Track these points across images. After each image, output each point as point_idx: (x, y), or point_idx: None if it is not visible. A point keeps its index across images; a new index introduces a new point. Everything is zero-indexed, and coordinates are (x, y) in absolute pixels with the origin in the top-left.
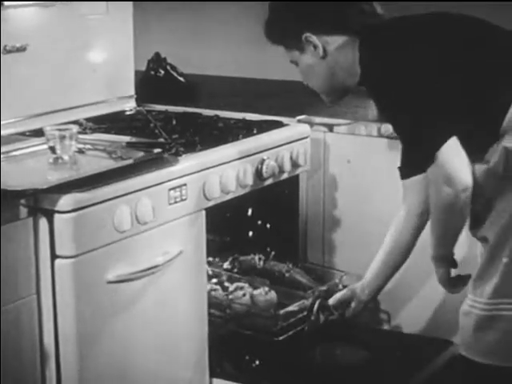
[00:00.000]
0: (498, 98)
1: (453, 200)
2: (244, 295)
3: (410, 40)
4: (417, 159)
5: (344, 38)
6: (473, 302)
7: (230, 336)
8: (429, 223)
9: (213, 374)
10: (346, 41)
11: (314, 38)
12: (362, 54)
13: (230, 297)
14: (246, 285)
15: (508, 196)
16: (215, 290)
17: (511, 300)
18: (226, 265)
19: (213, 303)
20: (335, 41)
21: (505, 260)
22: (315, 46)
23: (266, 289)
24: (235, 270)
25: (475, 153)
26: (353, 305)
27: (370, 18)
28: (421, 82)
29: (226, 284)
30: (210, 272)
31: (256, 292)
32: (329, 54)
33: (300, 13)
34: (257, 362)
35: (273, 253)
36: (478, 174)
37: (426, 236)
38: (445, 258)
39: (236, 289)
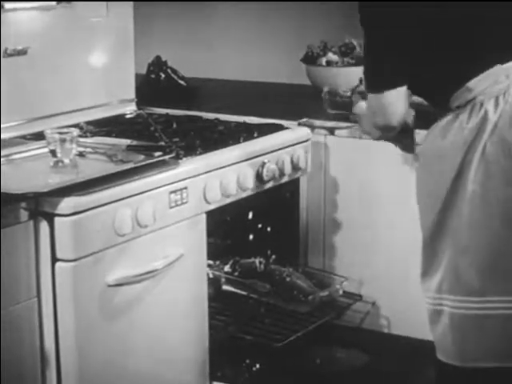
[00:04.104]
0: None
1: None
2: None
3: None
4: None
5: None
6: (425, 298)
7: (231, 340)
8: None
9: (213, 377)
10: None
11: None
12: None
13: None
14: None
15: (436, 196)
16: None
17: (450, 296)
18: (227, 268)
19: None
20: None
21: (444, 256)
22: None
23: None
24: (236, 274)
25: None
26: None
27: None
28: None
29: None
30: (211, 275)
31: None
32: None
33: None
34: (257, 366)
35: (273, 256)
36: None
37: None
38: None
39: None
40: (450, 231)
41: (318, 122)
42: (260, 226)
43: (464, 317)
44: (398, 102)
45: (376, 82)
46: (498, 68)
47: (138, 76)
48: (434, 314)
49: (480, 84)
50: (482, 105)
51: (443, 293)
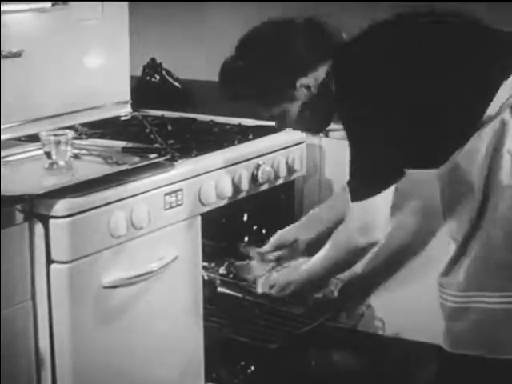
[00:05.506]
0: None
1: (358, 249)
2: None
3: (374, 59)
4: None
5: (325, 65)
6: (445, 295)
7: (226, 342)
8: None
9: (208, 379)
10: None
11: (308, 80)
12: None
13: None
14: None
15: (469, 198)
16: None
17: (481, 293)
18: (222, 270)
19: None
20: (321, 71)
21: (475, 255)
22: (309, 87)
23: None
24: (231, 276)
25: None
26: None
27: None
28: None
29: None
30: (206, 277)
31: None
32: (321, 85)
33: (293, 60)
34: (252, 369)
35: None
36: (443, 178)
37: None
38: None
39: None
40: (483, 230)
41: None
42: (255, 227)
43: (498, 311)
44: (385, 207)
45: (366, 185)
46: (503, 87)
47: (133, 78)
48: (456, 311)
49: (492, 109)
50: (497, 115)
51: (473, 290)
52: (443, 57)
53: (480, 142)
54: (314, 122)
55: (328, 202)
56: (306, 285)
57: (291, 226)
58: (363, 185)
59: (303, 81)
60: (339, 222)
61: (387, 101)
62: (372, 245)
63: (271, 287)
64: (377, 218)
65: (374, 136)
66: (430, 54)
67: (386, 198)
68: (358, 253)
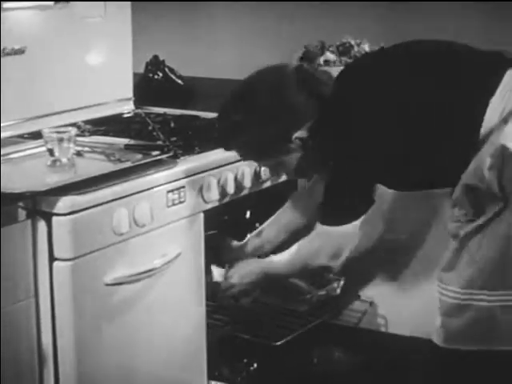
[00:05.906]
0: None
1: (315, 268)
2: None
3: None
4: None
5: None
6: (444, 291)
7: (229, 339)
8: None
9: (210, 376)
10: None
11: (301, 133)
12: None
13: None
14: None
15: (493, 204)
16: None
17: (483, 291)
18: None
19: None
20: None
21: (480, 254)
22: (302, 139)
23: None
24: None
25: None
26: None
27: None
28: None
29: None
30: None
31: None
32: (314, 135)
33: (288, 116)
34: (254, 366)
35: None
36: (461, 199)
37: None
38: None
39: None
40: (496, 230)
41: None
42: (258, 225)
43: (497, 307)
44: (351, 236)
45: (339, 215)
46: (491, 104)
47: (135, 75)
48: (455, 307)
49: (488, 124)
50: (491, 132)
51: (477, 288)
52: (434, 81)
53: (482, 160)
54: (308, 170)
55: (287, 213)
56: (263, 280)
57: (263, 226)
58: (336, 214)
59: (298, 134)
60: (297, 230)
61: (382, 135)
62: (327, 268)
63: (228, 278)
64: (341, 246)
65: (360, 170)
66: (419, 82)
67: (353, 227)
68: (313, 270)
